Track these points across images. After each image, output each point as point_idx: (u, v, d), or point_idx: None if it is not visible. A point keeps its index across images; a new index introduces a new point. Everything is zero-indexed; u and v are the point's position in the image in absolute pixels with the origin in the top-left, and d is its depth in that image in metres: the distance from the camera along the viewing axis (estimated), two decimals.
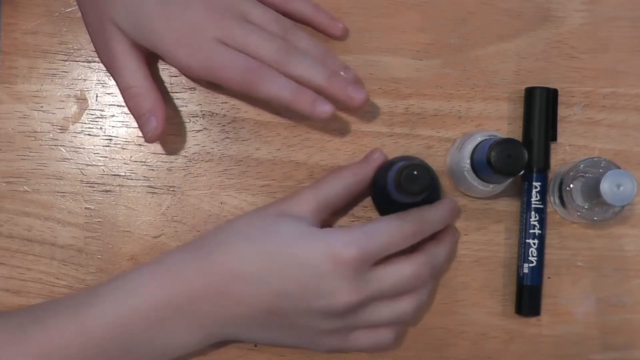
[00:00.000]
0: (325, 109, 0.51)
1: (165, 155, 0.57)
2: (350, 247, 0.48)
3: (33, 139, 0.56)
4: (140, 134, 0.57)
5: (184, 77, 0.57)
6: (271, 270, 0.48)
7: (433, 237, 0.54)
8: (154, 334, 0.48)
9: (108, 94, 0.57)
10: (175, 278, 0.49)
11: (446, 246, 0.55)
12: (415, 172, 0.47)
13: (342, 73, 0.54)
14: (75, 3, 0.57)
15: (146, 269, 0.50)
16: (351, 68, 0.55)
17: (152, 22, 0.50)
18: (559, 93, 0.58)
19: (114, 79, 0.53)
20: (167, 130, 0.57)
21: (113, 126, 0.57)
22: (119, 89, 0.53)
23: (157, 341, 0.49)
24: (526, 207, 0.57)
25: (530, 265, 0.56)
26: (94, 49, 0.54)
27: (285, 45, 0.52)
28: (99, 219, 0.57)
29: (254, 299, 0.48)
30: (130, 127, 0.57)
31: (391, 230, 0.50)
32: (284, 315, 0.49)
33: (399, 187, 0.47)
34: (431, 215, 0.52)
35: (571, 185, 0.55)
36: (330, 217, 0.56)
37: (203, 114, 0.57)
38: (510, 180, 0.54)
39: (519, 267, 0.57)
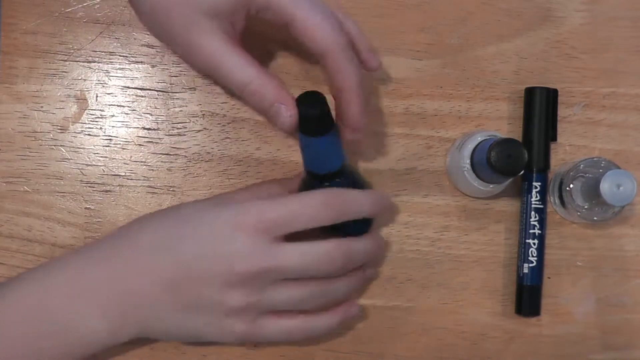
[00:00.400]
0: (360, 130, 0.51)
1: (165, 155, 0.57)
2: (250, 212, 0.47)
3: (33, 139, 0.56)
4: (140, 134, 0.57)
5: (184, 77, 0.57)
6: (171, 235, 0.48)
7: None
8: (64, 316, 0.48)
9: (108, 94, 0.57)
10: (74, 264, 0.49)
11: (368, 241, 0.52)
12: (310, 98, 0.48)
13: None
14: (74, 3, 0.57)
15: (49, 271, 0.50)
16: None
17: None
18: (559, 93, 0.58)
19: (224, 82, 0.49)
20: (166, 130, 0.57)
21: (113, 126, 0.57)
22: (235, 90, 0.49)
23: (67, 325, 0.48)
24: (526, 207, 0.57)
25: (530, 265, 0.56)
26: (187, 64, 0.52)
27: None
28: (99, 219, 0.57)
29: (155, 267, 0.48)
30: (130, 127, 0.57)
31: (299, 202, 0.48)
32: (185, 287, 0.48)
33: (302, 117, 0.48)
34: (350, 196, 0.50)
35: (571, 185, 0.55)
36: None
37: (203, 114, 0.57)
38: (510, 180, 0.54)
39: (519, 267, 0.57)
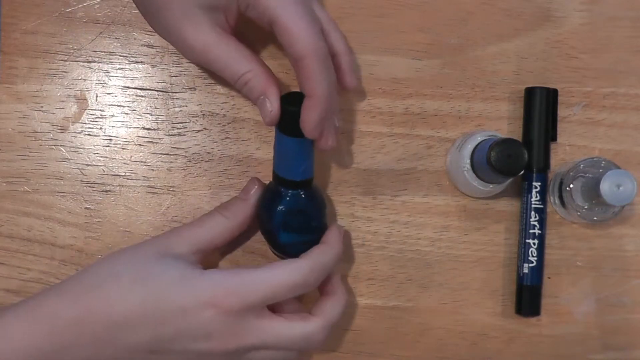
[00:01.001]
0: (316, 133, 0.49)
1: (165, 155, 0.57)
2: (232, 296, 0.47)
3: (33, 139, 0.56)
4: (140, 134, 0.57)
5: (184, 77, 0.57)
6: (149, 316, 0.47)
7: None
8: None
9: (108, 94, 0.57)
10: (48, 328, 0.47)
11: (342, 300, 0.52)
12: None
13: None
14: (74, 3, 0.57)
15: (22, 313, 0.47)
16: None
17: None
18: (559, 93, 0.58)
19: (219, 73, 0.50)
20: (166, 130, 0.57)
21: (113, 126, 0.57)
22: (229, 81, 0.50)
23: None
24: (526, 207, 0.57)
25: (530, 265, 0.56)
26: (185, 58, 0.51)
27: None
28: (99, 219, 0.57)
29: (133, 344, 0.47)
30: (130, 127, 0.57)
31: (279, 282, 0.48)
32: (164, 353, 0.48)
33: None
34: (323, 262, 0.50)
35: (571, 185, 0.55)
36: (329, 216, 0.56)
37: (203, 114, 0.57)
38: (510, 180, 0.54)
39: (519, 267, 0.57)
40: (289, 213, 0.52)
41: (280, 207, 0.52)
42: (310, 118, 0.47)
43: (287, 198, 0.51)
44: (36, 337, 0.46)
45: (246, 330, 0.47)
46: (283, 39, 0.47)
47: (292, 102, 0.48)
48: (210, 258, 0.55)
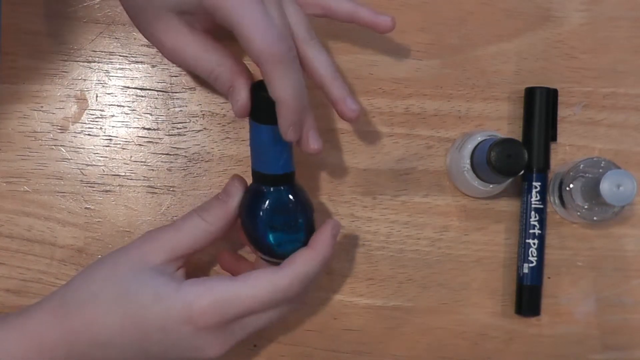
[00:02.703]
0: (294, 135, 0.47)
1: (165, 155, 0.57)
2: (208, 314, 0.46)
3: (33, 139, 0.56)
4: (140, 134, 0.57)
5: (184, 77, 0.57)
6: (132, 336, 0.47)
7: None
8: None
9: (108, 94, 0.57)
10: (37, 347, 0.47)
11: (319, 255, 0.49)
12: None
13: (346, 100, 0.50)
14: (74, 3, 0.57)
15: (13, 327, 0.47)
16: (355, 99, 0.51)
17: None
18: (559, 93, 0.58)
19: (195, 73, 0.50)
20: (166, 130, 0.57)
21: (113, 126, 0.57)
22: (205, 79, 0.49)
23: None
24: (526, 207, 0.57)
25: (530, 265, 0.56)
26: (164, 55, 0.50)
27: (294, 52, 0.47)
28: (99, 219, 0.57)
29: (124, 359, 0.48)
30: (130, 127, 0.57)
31: (258, 297, 0.47)
32: None
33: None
34: (306, 271, 0.48)
35: (571, 185, 0.55)
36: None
37: (203, 114, 0.57)
38: (510, 180, 0.54)
39: (519, 267, 0.57)
40: (274, 211, 0.49)
41: (264, 207, 0.49)
42: (281, 123, 0.46)
43: (270, 195, 0.49)
44: (28, 352, 0.47)
45: (231, 332, 0.47)
46: (241, 43, 0.45)
47: (265, 89, 0.46)
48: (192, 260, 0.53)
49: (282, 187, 0.49)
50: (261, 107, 0.47)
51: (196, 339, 0.47)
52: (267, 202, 0.49)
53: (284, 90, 0.45)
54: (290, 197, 0.50)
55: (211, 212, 0.50)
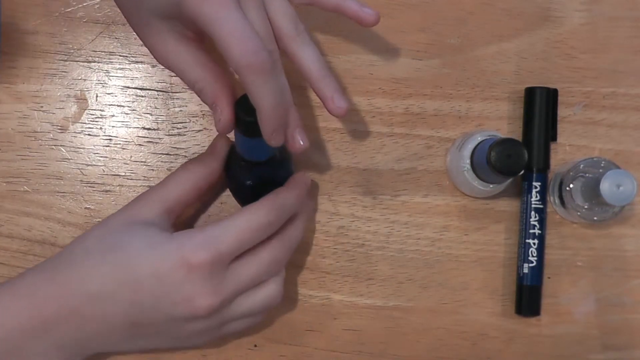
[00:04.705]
0: (278, 141, 0.46)
1: (165, 155, 0.57)
2: (201, 251, 0.47)
3: (33, 139, 0.56)
4: (140, 134, 0.57)
5: None
6: (124, 286, 0.47)
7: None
8: (10, 359, 0.47)
9: (108, 94, 0.57)
10: (26, 303, 0.47)
11: (300, 223, 0.53)
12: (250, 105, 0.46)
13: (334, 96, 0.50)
14: (74, 3, 0.57)
15: (0, 290, 0.48)
16: (343, 96, 0.51)
17: None
18: (559, 93, 0.58)
19: (180, 78, 0.50)
20: (166, 130, 0.57)
21: (113, 126, 0.57)
22: (188, 87, 0.50)
23: None
24: (526, 207, 0.57)
25: (530, 265, 0.56)
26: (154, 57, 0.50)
27: (273, 55, 0.47)
28: (99, 219, 0.56)
29: (112, 316, 0.47)
30: (130, 127, 0.57)
31: (243, 227, 0.48)
32: (147, 325, 0.48)
33: (239, 123, 0.47)
34: (285, 201, 0.50)
35: (571, 185, 0.55)
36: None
37: (203, 114, 0.57)
38: (510, 180, 0.54)
39: (519, 267, 0.57)
40: (257, 186, 0.51)
41: (247, 182, 0.52)
42: (264, 130, 0.45)
43: (253, 172, 0.51)
44: (15, 312, 0.47)
45: (223, 280, 0.48)
46: (221, 52, 0.44)
47: (245, 108, 0.46)
48: (182, 218, 0.55)
49: (266, 166, 0.51)
50: (245, 128, 0.47)
51: (188, 284, 0.47)
52: (250, 179, 0.52)
53: (264, 99, 0.44)
54: (273, 171, 0.52)
55: (197, 163, 0.53)
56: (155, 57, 0.49)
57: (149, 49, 0.49)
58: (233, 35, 0.43)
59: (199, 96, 0.49)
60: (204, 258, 0.47)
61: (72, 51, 0.57)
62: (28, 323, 0.47)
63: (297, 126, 0.49)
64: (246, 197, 0.53)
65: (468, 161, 0.53)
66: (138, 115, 0.57)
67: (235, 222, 0.48)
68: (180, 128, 0.57)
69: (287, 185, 0.52)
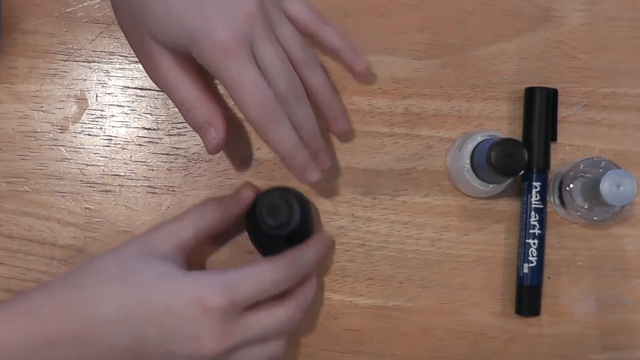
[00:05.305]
0: (313, 177, 0.50)
1: (165, 155, 0.57)
2: (217, 293, 0.46)
3: (33, 139, 0.56)
4: (140, 134, 0.57)
5: None
6: (132, 315, 0.46)
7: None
8: None
9: (108, 94, 0.57)
10: (28, 321, 0.46)
11: (314, 283, 0.53)
12: (275, 205, 0.48)
13: (338, 119, 0.55)
14: (74, 3, 0.57)
15: (1, 307, 0.47)
16: (346, 118, 0.56)
17: (184, 27, 0.47)
18: (559, 93, 0.58)
19: (168, 96, 0.51)
20: (166, 130, 0.57)
21: (113, 126, 0.57)
22: (175, 104, 0.51)
23: None
24: (526, 207, 0.57)
25: (530, 265, 0.56)
26: (143, 69, 0.52)
27: (296, 84, 0.50)
28: (99, 219, 0.57)
29: (115, 343, 0.46)
30: (130, 127, 0.57)
31: (262, 276, 0.48)
32: (147, 356, 0.47)
33: (261, 221, 0.48)
34: (304, 259, 0.51)
35: (571, 185, 0.55)
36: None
37: None
38: (510, 180, 0.54)
39: (519, 267, 0.57)
40: (278, 239, 0.52)
41: (268, 245, 0.53)
42: (292, 171, 0.50)
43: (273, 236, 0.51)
44: (16, 331, 0.46)
45: (233, 327, 0.47)
46: (232, 99, 0.48)
47: (271, 211, 0.48)
48: (196, 255, 0.55)
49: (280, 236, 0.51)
50: (269, 230, 0.49)
51: (198, 323, 0.46)
52: (270, 242, 0.53)
53: (281, 144, 0.48)
54: (292, 237, 0.52)
55: (220, 208, 0.53)
56: (147, 72, 0.51)
57: (141, 63, 0.51)
58: (243, 89, 0.46)
59: (185, 116, 0.50)
60: (220, 302, 0.46)
61: (72, 51, 0.57)
62: (27, 342, 0.46)
63: (323, 153, 0.53)
64: (265, 247, 0.53)
65: (468, 161, 0.53)
66: (138, 115, 0.57)
67: (254, 272, 0.48)
68: (180, 128, 0.57)
69: (309, 244, 0.52)
